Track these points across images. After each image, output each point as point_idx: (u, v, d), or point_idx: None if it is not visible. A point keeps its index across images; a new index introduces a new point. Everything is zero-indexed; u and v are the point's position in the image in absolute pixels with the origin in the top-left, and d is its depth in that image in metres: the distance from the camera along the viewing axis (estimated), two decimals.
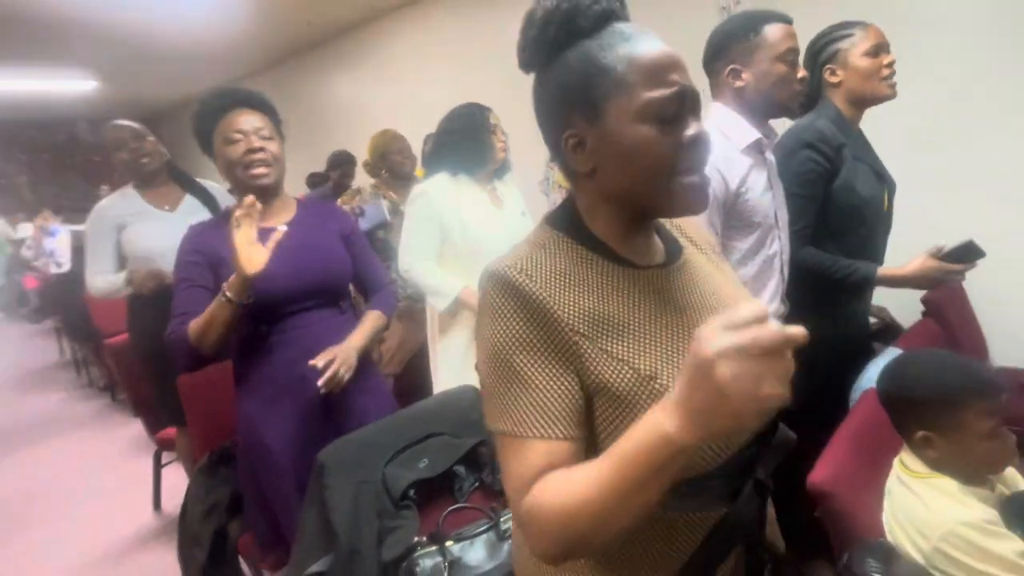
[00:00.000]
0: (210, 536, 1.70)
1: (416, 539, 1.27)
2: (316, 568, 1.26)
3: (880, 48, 1.46)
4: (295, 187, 4.58)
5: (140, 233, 2.14)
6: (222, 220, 1.46)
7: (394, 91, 4.95)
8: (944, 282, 1.47)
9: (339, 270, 1.51)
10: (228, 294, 1.27)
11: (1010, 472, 1.09)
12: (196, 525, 1.72)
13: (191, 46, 5.14)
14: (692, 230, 0.82)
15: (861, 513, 1.04)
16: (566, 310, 0.62)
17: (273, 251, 1.28)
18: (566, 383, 0.60)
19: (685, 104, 0.62)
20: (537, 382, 0.60)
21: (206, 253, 1.41)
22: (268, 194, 1.44)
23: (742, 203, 1.26)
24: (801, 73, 1.29)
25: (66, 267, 4.41)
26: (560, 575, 0.72)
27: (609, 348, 0.62)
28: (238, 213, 1.26)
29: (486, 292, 0.65)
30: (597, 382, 0.61)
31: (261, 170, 1.40)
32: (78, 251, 4.09)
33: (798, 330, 0.46)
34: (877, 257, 1.56)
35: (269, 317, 1.42)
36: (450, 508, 1.32)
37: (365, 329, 1.51)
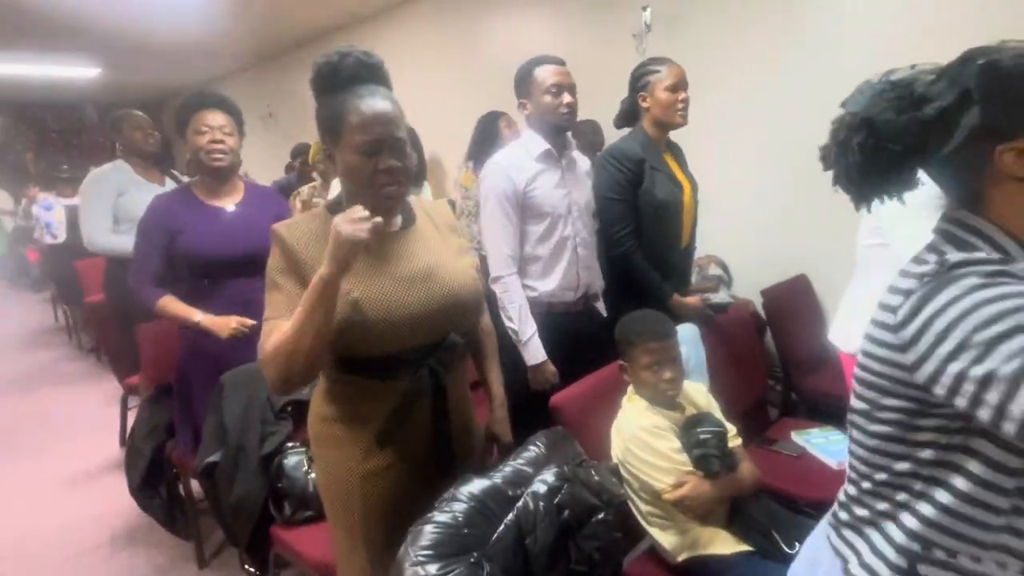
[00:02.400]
0: (150, 450, 2.13)
1: (290, 443, 1.70)
2: (213, 458, 1.70)
3: (678, 86, 1.86)
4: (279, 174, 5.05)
5: (136, 201, 2.56)
6: (180, 192, 1.91)
7: None
8: (705, 316, 1.89)
9: (268, 245, 1.92)
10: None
11: (704, 401, 1.50)
12: (140, 441, 2.16)
13: (186, 41, 5.57)
14: (435, 212, 1.24)
15: (586, 430, 1.45)
16: (307, 252, 1.04)
17: (220, 224, 1.74)
18: (299, 292, 1.02)
19: (383, 146, 1.03)
20: (286, 290, 1.02)
21: (166, 220, 1.82)
22: (221, 177, 1.87)
23: (530, 197, 1.69)
24: (567, 100, 1.69)
25: (61, 238, 4.85)
26: (321, 424, 1.15)
27: None
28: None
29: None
30: None
31: (218, 156, 1.82)
32: (72, 225, 4.55)
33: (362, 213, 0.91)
34: (677, 241, 1.95)
35: (210, 275, 1.83)
36: None
37: None
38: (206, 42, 5.71)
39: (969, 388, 0.56)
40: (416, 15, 4.84)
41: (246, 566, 2.03)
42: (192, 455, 1.96)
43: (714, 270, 2.98)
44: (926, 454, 0.63)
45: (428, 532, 0.92)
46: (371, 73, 1.08)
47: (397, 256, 1.10)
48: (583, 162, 1.89)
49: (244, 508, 1.68)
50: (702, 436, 1.34)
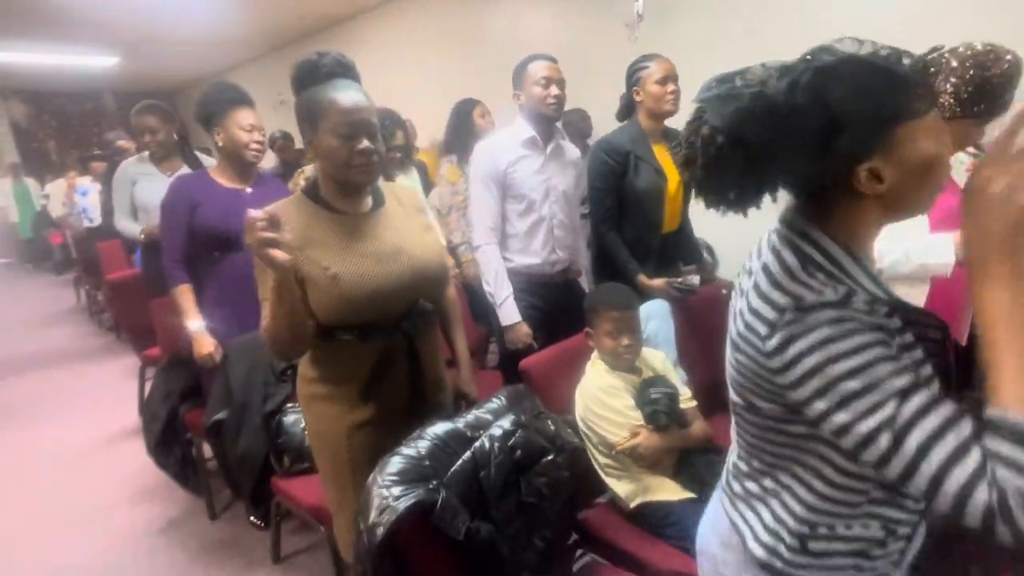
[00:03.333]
0: (165, 413, 2.32)
1: (289, 404, 1.87)
2: (219, 416, 1.87)
3: (667, 79, 1.97)
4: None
5: (147, 189, 2.80)
6: (199, 175, 2.08)
7: (376, 79, 5.51)
8: (671, 297, 1.97)
9: None
10: None
11: (661, 367, 1.64)
12: (155, 406, 2.35)
13: (200, 31, 5.74)
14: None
15: (553, 390, 1.59)
16: (297, 235, 1.18)
17: (237, 205, 1.91)
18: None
19: (360, 130, 1.17)
20: (267, 276, 1.17)
21: (187, 195, 1.98)
22: (249, 168, 2.05)
23: (511, 177, 1.85)
24: (554, 92, 1.83)
25: (97, 222, 5.07)
26: (307, 385, 1.31)
27: (312, 256, 1.18)
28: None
29: None
30: (303, 274, 1.18)
31: (259, 154, 2.01)
32: (106, 210, 4.76)
33: None
34: (657, 227, 2.08)
35: (223, 247, 1.98)
36: None
37: None
38: (219, 32, 5.88)
39: (829, 428, 0.64)
40: (418, 5, 4.96)
41: (251, 518, 2.22)
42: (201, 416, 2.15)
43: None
44: (801, 444, 0.72)
45: (394, 462, 1.08)
46: (345, 71, 1.23)
47: (370, 235, 1.25)
48: (571, 151, 2.03)
49: (247, 461, 1.86)
50: (653, 395, 1.49)
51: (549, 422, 1.32)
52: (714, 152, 0.66)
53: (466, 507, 1.09)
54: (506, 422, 1.24)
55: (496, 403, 1.31)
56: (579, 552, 1.50)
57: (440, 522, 1.04)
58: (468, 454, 1.15)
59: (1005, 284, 0.56)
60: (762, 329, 0.68)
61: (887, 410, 0.60)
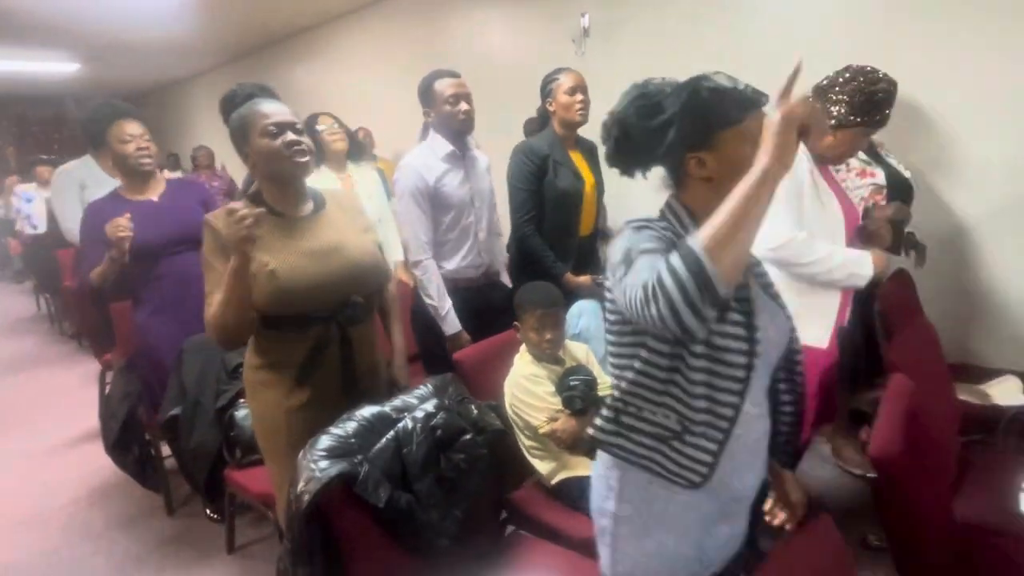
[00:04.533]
0: (124, 413, 2.39)
1: (241, 399, 1.97)
2: (174, 412, 1.97)
3: (575, 89, 2.14)
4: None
5: (96, 195, 2.81)
6: (109, 197, 2.15)
7: (340, 88, 5.63)
8: (597, 294, 2.11)
9: (196, 223, 1.94)
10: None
11: (584, 357, 1.80)
12: (114, 405, 2.42)
13: (163, 38, 5.77)
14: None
15: (483, 381, 1.74)
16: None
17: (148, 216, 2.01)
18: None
19: (285, 127, 1.32)
20: (218, 269, 1.30)
21: (100, 223, 2.01)
22: (145, 177, 2.14)
23: (439, 191, 1.98)
24: (464, 108, 1.98)
25: (41, 229, 5.06)
26: (252, 372, 1.43)
27: (256, 256, 1.31)
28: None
29: None
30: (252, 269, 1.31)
31: (146, 161, 2.11)
32: (52, 216, 4.76)
33: None
34: (575, 229, 2.23)
35: (148, 258, 2.06)
36: None
37: None
38: (183, 39, 5.92)
39: (620, 293, 0.84)
40: (381, 17, 5.09)
41: (208, 511, 2.31)
42: (156, 410, 2.24)
43: None
44: (625, 350, 0.93)
45: (323, 440, 1.21)
46: (262, 91, 1.38)
47: (308, 235, 1.39)
48: (483, 159, 2.19)
49: (201, 453, 1.97)
50: (572, 383, 1.64)
51: (472, 407, 1.47)
52: (613, 136, 0.94)
53: (388, 480, 1.23)
54: (430, 405, 1.38)
55: (423, 390, 1.45)
56: (509, 528, 1.65)
57: (363, 491, 1.17)
58: (392, 433, 1.28)
59: (760, 171, 0.75)
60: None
61: (631, 257, 0.85)
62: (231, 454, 1.94)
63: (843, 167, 2.15)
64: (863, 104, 1.53)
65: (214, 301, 1.29)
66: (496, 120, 3.50)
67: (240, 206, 1.22)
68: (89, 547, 2.23)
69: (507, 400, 1.71)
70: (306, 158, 1.36)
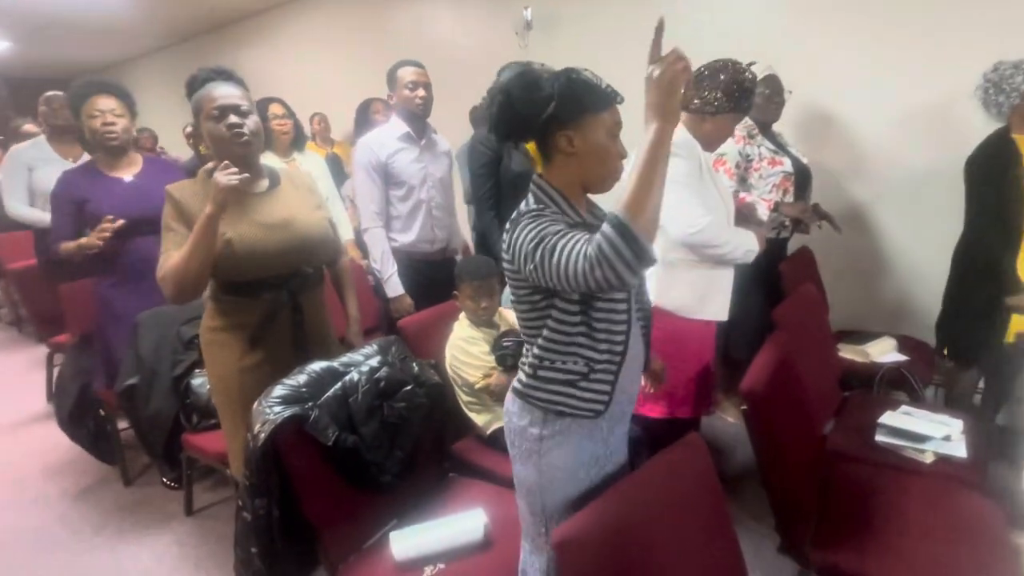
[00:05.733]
0: (76, 389, 2.46)
1: (196, 368, 2.09)
2: (131, 381, 2.07)
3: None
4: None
5: (45, 176, 2.85)
6: (85, 167, 2.22)
7: (289, 73, 5.63)
8: None
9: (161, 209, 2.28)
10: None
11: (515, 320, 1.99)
12: (66, 382, 2.49)
13: (100, 18, 5.62)
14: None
15: (427, 344, 1.91)
16: (191, 205, 1.44)
17: (115, 194, 2.06)
18: (186, 233, 1.42)
19: (228, 111, 1.45)
20: (178, 232, 1.43)
21: (72, 191, 2.15)
22: (116, 153, 2.20)
23: (391, 167, 2.16)
24: (421, 94, 2.16)
25: None
26: (208, 334, 1.56)
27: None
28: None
29: None
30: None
31: (111, 136, 2.15)
32: None
33: None
34: None
35: (121, 235, 2.15)
36: None
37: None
38: (122, 20, 5.77)
39: (531, 271, 1.00)
40: (331, 3, 5.12)
41: (164, 479, 2.41)
42: (112, 382, 2.32)
43: None
44: (535, 315, 1.10)
45: (276, 390, 1.36)
46: (219, 75, 1.50)
47: (263, 209, 1.53)
48: (443, 144, 2.36)
49: (158, 421, 2.08)
50: (504, 343, 1.84)
51: (413, 364, 1.65)
52: (498, 101, 1.06)
53: (336, 423, 1.39)
54: (374, 361, 1.55)
55: (368, 348, 1.61)
56: (451, 475, 1.83)
57: (313, 431, 1.34)
58: (339, 384, 1.45)
59: (655, 133, 0.90)
60: (506, 235, 1.08)
61: (548, 242, 0.97)
62: (188, 420, 2.06)
63: (756, 156, 2.41)
64: (734, 92, 1.70)
65: (173, 256, 1.41)
66: (444, 108, 3.65)
67: (231, 165, 1.38)
68: (46, 517, 2.30)
69: (448, 361, 1.90)
70: (245, 139, 1.48)
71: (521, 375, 1.16)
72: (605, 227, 0.90)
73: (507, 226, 1.07)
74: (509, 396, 1.20)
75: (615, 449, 1.20)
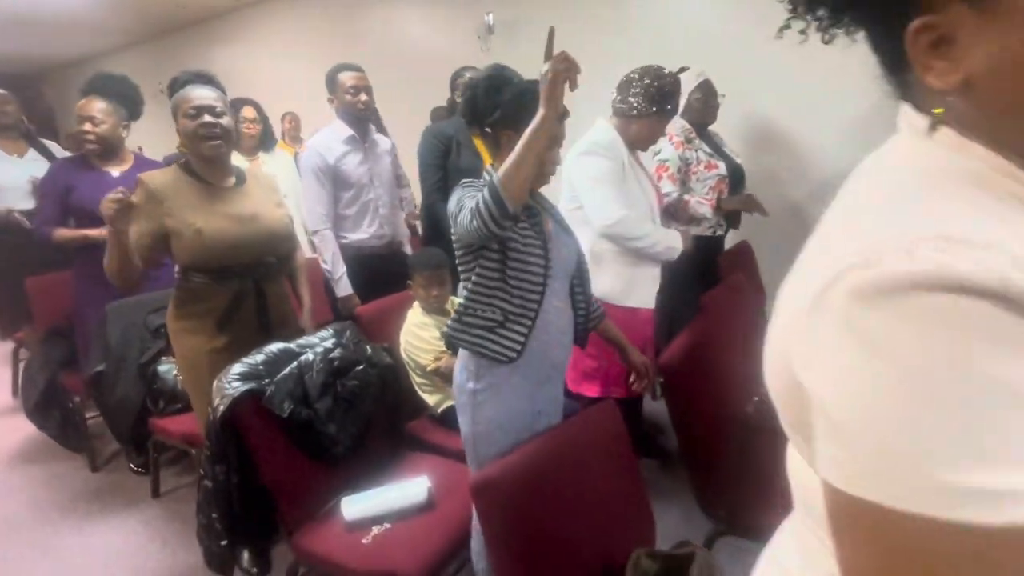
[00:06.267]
0: (44, 380, 2.53)
1: (163, 356, 2.19)
2: (99, 368, 2.16)
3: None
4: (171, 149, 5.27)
5: None
6: (77, 157, 2.35)
7: (262, 71, 5.68)
8: None
9: None
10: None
11: None
12: (34, 372, 2.56)
13: (68, 12, 5.60)
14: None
15: (382, 331, 2.05)
16: (163, 194, 1.55)
17: (98, 187, 2.17)
18: (140, 228, 1.54)
19: (202, 111, 1.57)
20: (134, 227, 1.54)
21: (60, 178, 2.27)
22: (97, 154, 2.29)
23: (339, 170, 2.28)
24: (363, 98, 2.29)
25: None
26: (175, 321, 1.67)
27: (180, 215, 1.56)
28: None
29: None
30: (171, 228, 1.55)
31: (88, 142, 2.25)
32: None
33: None
34: None
35: (93, 225, 2.22)
36: None
37: None
38: (90, 14, 5.75)
39: (458, 225, 1.21)
40: (306, 3, 5.20)
41: (132, 465, 2.49)
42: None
43: None
44: (467, 268, 1.29)
45: (236, 368, 1.48)
46: (201, 79, 1.62)
47: (230, 203, 1.65)
48: (384, 142, 2.50)
49: (125, 406, 2.17)
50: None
51: (367, 347, 1.78)
52: (466, 96, 1.34)
53: (291, 399, 1.52)
54: (329, 343, 1.68)
55: (324, 332, 1.74)
56: (405, 452, 1.97)
57: (269, 404, 1.46)
58: (295, 363, 1.57)
59: (537, 118, 1.11)
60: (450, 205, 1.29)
61: (461, 204, 1.22)
62: (155, 404, 2.15)
63: (694, 161, 2.59)
64: (655, 95, 1.86)
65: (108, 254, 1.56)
66: (409, 106, 3.78)
67: (120, 193, 1.46)
68: (12, 503, 2.36)
69: (402, 346, 2.03)
70: (216, 140, 1.60)
71: (451, 319, 1.34)
72: (484, 190, 1.13)
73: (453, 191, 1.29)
74: (460, 354, 1.38)
75: (544, 410, 1.36)
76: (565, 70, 1.08)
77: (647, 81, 1.84)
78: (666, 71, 1.87)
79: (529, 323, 1.28)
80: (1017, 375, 0.31)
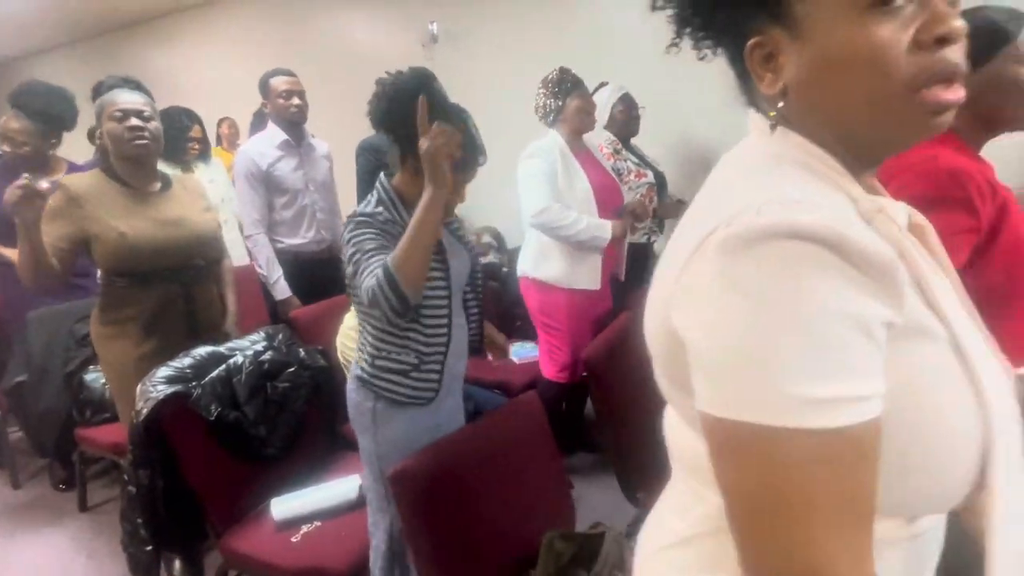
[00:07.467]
0: None
1: (89, 364, 2.13)
2: (20, 378, 2.09)
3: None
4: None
5: None
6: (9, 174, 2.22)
7: (199, 75, 5.56)
8: None
9: None
10: None
11: None
12: None
13: None
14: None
15: (319, 335, 2.06)
16: (84, 197, 1.54)
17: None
18: (52, 230, 1.52)
19: (129, 113, 1.56)
20: (49, 229, 1.52)
21: None
22: (29, 164, 2.23)
23: (272, 176, 2.30)
24: (296, 102, 2.31)
25: None
26: (100, 327, 1.65)
27: (103, 218, 1.55)
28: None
29: None
30: (93, 232, 1.54)
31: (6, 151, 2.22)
32: None
33: None
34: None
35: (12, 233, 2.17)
36: None
37: None
38: (17, 10, 5.50)
39: (357, 285, 1.16)
40: (246, 8, 5.13)
41: (59, 485, 2.40)
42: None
43: (486, 239, 3.74)
44: (363, 310, 1.26)
45: (161, 371, 1.48)
46: (129, 84, 1.62)
47: (155, 207, 1.65)
48: (322, 147, 2.52)
49: (49, 417, 2.11)
50: None
51: (300, 350, 1.80)
52: (374, 103, 1.27)
53: (219, 401, 1.53)
54: (259, 346, 1.69)
55: (255, 335, 1.75)
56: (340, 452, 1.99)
57: (196, 406, 1.47)
58: (223, 366, 1.58)
59: (425, 198, 1.09)
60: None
61: (358, 259, 1.15)
62: (81, 415, 2.10)
63: (625, 171, 2.70)
64: (553, 88, 2.09)
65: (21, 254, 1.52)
66: (351, 113, 3.78)
67: (25, 179, 1.39)
68: None
69: (339, 349, 2.05)
70: (144, 142, 1.60)
71: (363, 363, 1.31)
72: (378, 271, 1.09)
73: (347, 219, 1.24)
74: (350, 377, 1.36)
75: (448, 419, 1.37)
76: (444, 144, 1.07)
77: (541, 89, 2.09)
78: (559, 68, 2.11)
79: (441, 357, 1.28)
80: (849, 306, 0.39)
